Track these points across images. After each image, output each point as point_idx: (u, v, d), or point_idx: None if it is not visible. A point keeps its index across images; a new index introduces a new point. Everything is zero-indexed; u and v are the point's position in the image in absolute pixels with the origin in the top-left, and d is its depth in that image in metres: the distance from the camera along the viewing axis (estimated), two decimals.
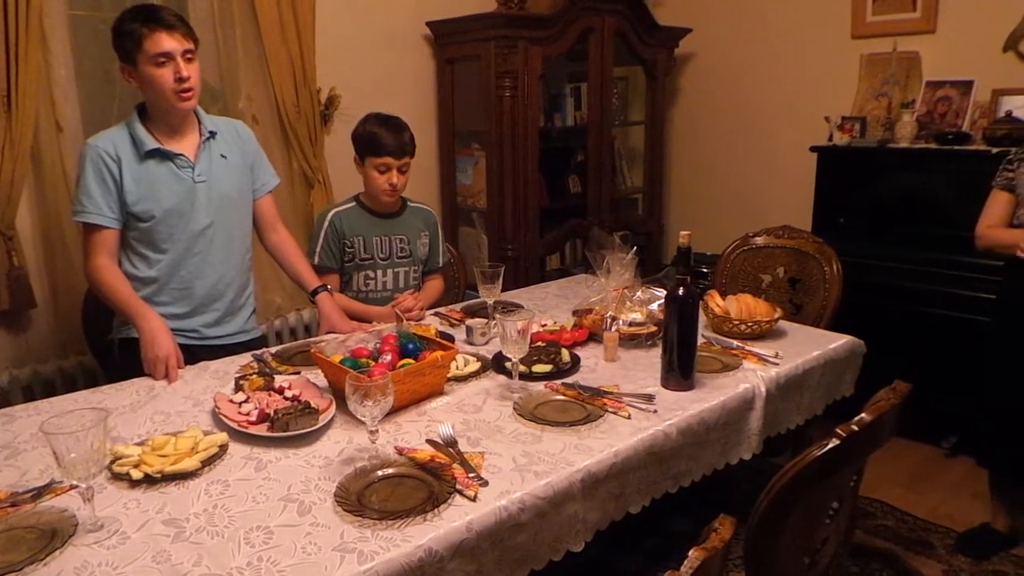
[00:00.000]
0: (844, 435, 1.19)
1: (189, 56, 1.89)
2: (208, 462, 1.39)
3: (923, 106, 3.20)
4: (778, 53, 3.74)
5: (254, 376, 1.76)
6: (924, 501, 2.73)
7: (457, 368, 1.83)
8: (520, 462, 1.40)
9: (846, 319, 2.52)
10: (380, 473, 1.35)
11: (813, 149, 3.32)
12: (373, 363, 1.67)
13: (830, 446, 1.19)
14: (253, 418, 1.53)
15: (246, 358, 1.96)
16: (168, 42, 1.84)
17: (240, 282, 2.16)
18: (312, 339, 2.15)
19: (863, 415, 1.23)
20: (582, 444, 1.46)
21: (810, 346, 1.98)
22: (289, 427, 1.49)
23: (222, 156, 2.06)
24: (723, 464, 1.69)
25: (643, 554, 2.03)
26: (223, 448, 1.44)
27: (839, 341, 2.03)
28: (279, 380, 1.72)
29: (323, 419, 1.53)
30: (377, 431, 1.41)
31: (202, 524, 1.21)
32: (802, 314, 2.68)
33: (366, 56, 3.31)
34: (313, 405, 1.56)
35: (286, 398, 1.61)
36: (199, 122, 2.03)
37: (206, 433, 1.48)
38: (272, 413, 1.52)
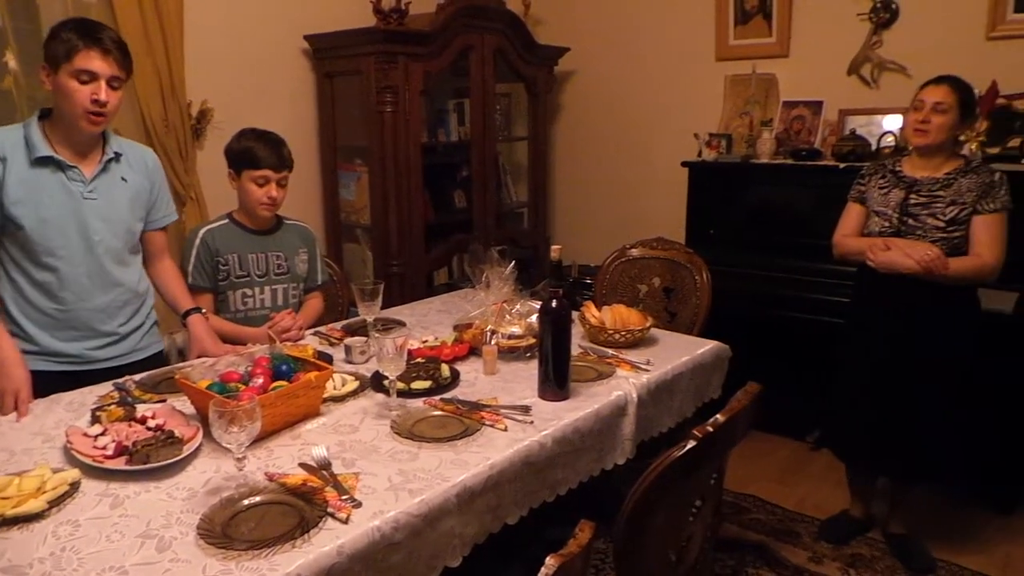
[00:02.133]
0: (701, 436, 1.26)
1: (115, 84, 1.84)
2: (56, 502, 1.30)
3: (780, 124, 3.44)
4: (651, 73, 3.93)
5: (113, 407, 1.66)
6: (792, 493, 2.92)
7: (334, 388, 1.80)
8: (395, 481, 1.39)
9: (718, 325, 2.66)
10: (247, 502, 1.30)
11: (684, 164, 3.50)
12: (243, 387, 1.62)
13: (688, 447, 1.26)
14: (110, 452, 1.44)
15: (106, 387, 1.84)
16: (99, 64, 1.79)
17: (134, 306, 2.05)
18: (180, 364, 2.06)
19: (718, 416, 1.31)
20: (458, 459, 1.47)
21: (679, 352, 2.08)
22: (150, 459, 1.41)
23: (123, 179, 1.98)
24: (599, 470, 1.74)
25: (523, 563, 2.05)
26: (74, 486, 1.35)
27: (706, 347, 2.15)
28: (141, 410, 1.63)
29: (188, 448, 1.46)
30: (245, 458, 1.36)
31: (47, 569, 1.13)
32: (676, 322, 2.81)
33: (241, 68, 3.21)
34: (177, 434, 1.48)
35: (148, 428, 1.53)
36: (104, 142, 1.95)
37: (56, 471, 1.38)
38: (131, 445, 1.44)
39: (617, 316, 2.13)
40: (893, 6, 3.14)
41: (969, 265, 2.17)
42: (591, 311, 2.16)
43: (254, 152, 2.19)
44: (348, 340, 2.11)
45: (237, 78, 3.19)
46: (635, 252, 2.92)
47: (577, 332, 2.24)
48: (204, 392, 1.54)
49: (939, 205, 2.21)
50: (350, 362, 2.04)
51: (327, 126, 3.48)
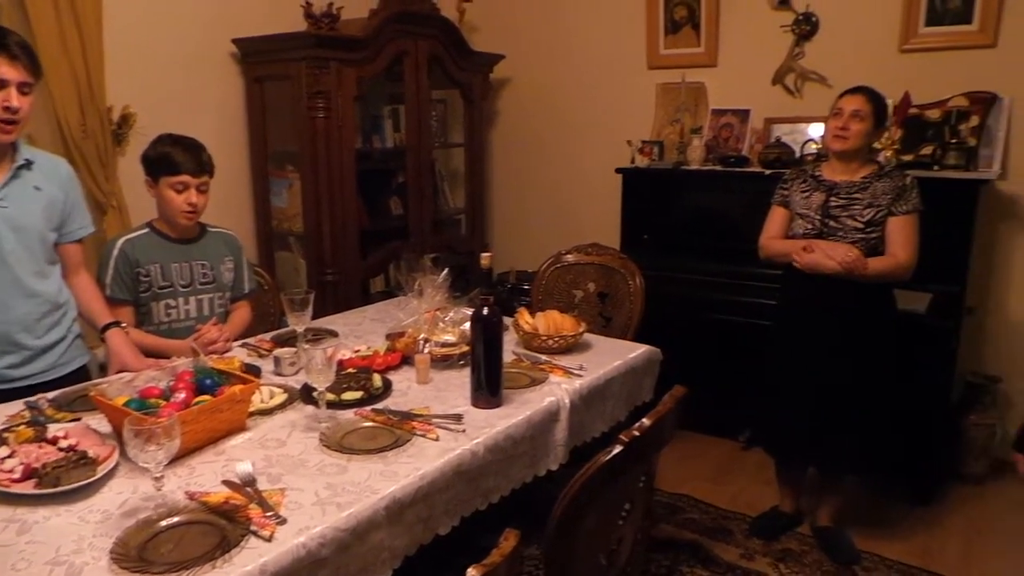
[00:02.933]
0: (627, 440, 1.28)
1: (25, 90, 1.77)
2: None
3: (710, 132, 3.53)
4: (585, 80, 3.97)
5: (22, 427, 1.58)
6: (725, 492, 2.98)
7: (261, 401, 1.76)
8: (323, 495, 1.36)
9: (652, 329, 2.71)
10: (165, 523, 1.26)
11: (618, 171, 3.55)
12: (164, 403, 1.56)
13: (615, 452, 1.27)
14: (17, 475, 1.37)
15: (16, 406, 1.75)
16: (7, 70, 1.73)
17: (54, 317, 1.96)
18: (98, 380, 1.97)
19: (644, 420, 1.32)
20: (388, 470, 1.45)
21: (612, 357, 2.11)
22: (60, 481, 1.35)
23: (36, 188, 1.89)
24: (531, 477, 1.74)
25: (455, 573, 2.04)
26: None
27: (638, 351, 2.18)
28: (53, 430, 1.55)
29: (103, 469, 1.40)
30: (163, 477, 1.31)
31: None
32: (611, 326, 2.84)
33: (165, 72, 3.10)
34: (91, 455, 1.42)
35: (60, 449, 1.46)
36: (14, 150, 1.87)
37: None
38: (40, 467, 1.37)
39: (550, 322, 2.14)
40: (814, 19, 3.26)
41: (886, 264, 2.28)
42: (524, 317, 2.17)
43: (171, 157, 2.13)
44: (277, 351, 2.06)
45: (161, 82, 3.08)
46: (570, 258, 2.95)
47: (511, 339, 2.25)
48: (120, 409, 1.48)
49: (857, 207, 2.31)
50: (279, 374, 2.00)
51: (257, 132, 3.40)
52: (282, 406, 1.76)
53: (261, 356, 2.15)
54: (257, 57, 3.30)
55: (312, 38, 3.07)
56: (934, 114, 2.97)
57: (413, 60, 3.50)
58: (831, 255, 2.26)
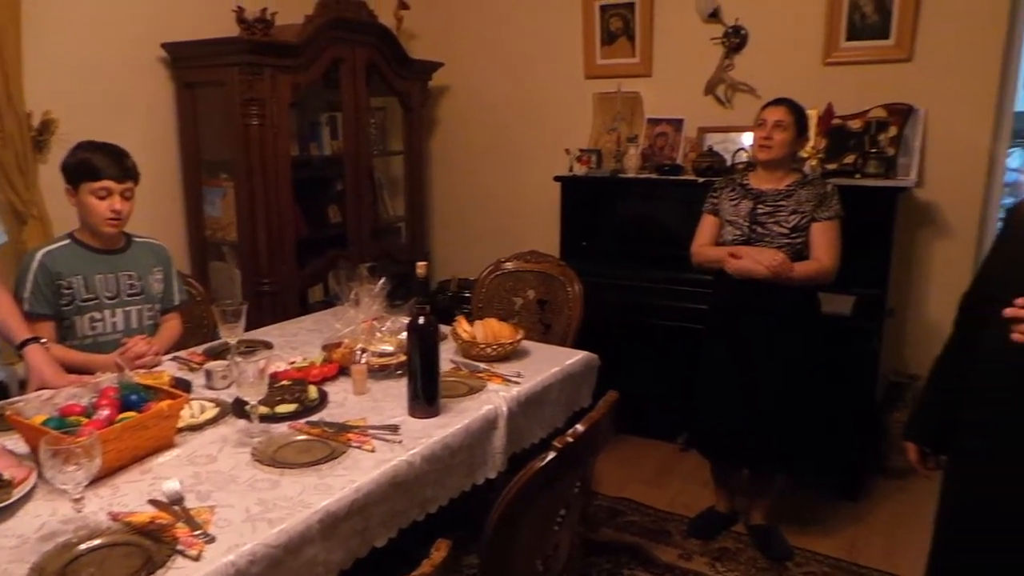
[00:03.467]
0: (561, 447, 1.29)
1: None
2: None
3: (646, 140, 3.60)
4: (523, 89, 4.01)
5: None
6: (664, 494, 3.04)
7: (191, 416, 1.71)
8: (254, 511, 1.33)
9: (592, 335, 2.74)
10: (86, 546, 1.21)
11: (557, 179, 3.59)
12: (86, 421, 1.50)
13: (549, 458, 1.28)
14: None
15: None
16: None
17: None
18: (13, 399, 1.88)
19: (578, 426, 1.34)
20: (323, 483, 1.43)
21: (550, 363, 2.13)
22: None
23: None
24: (470, 486, 1.74)
25: None
26: None
27: (576, 357, 2.21)
28: None
29: (19, 492, 1.34)
30: (83, 498, 1.27)
31: None
32: (551, 333, 2.87)
33: (90, 76, 2.99)
34: (6, 477, 1.36)
35: None
36: None
37: None
38: None
39: (489, 330, 2.15)
40: (742, 32, 3.37)
41: (812, 268, 2.37)
42: (463, 326, 2.17)
43: (92, 163, 2.05)
44: (209, 364, 2.01)
45: (85, 86, 2.97)
46: (510, 265, 2.97)
47: (450, 347, 2.25)
48: (36, 428, 1.42)
49: (782, 214, 2.40)
50: (211, 388, 1.95)
51: (189, 139, 3.31)
52: (213, 421, 1.72)
53: (192, 370, 2.09)
54: (188, 62, 3.22)
55: (245, 44, 3.01)
56: (855, 124, 3.10)
57: (350, 67, 3.47)
58: (759, 260, 2.34)
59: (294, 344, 2.33)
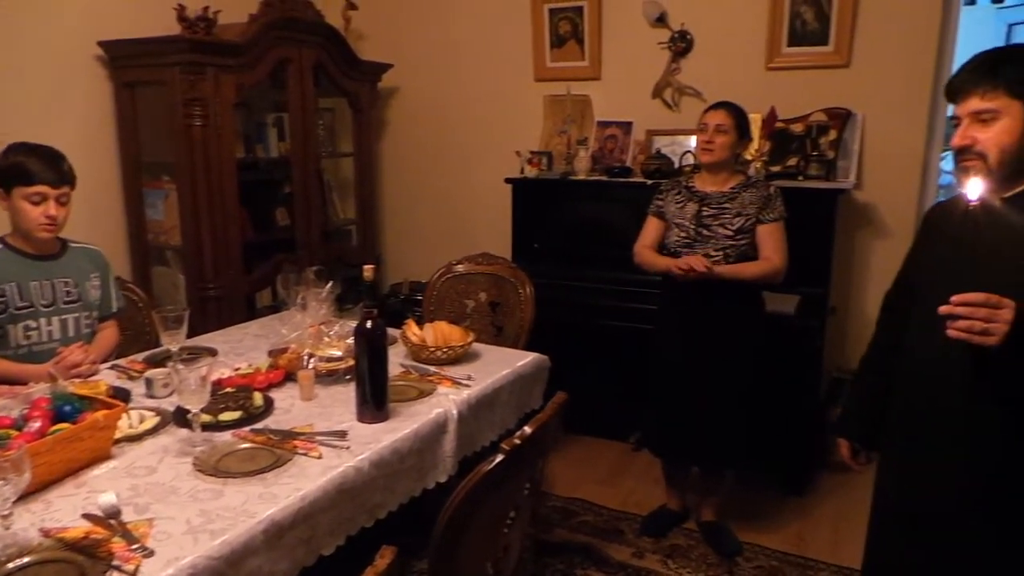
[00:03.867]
0: (508, 449, 1.29)
1: None
2: None
3: (596, 143, 3.64)
4: (474, 91, 4.00)
5: None
6: (617, 493, 3.06)
7: (130, 427, 1.66)
8: (195, 523, 1.30)
9: (544, 336, 2.75)
10: (14, 564, 1.16)
11: (508, 181, 3.60)
12: (15, 433, 1.44)
13: (497, 461, 1.28)
14: None
15: None
16: None
17: None
18: None
19: (525, 428, 1.34)
20: (267, 492, 1.40)
21: (500, 366, 2.12)
22: None
23: None
24: (420, 490, 1.73)
25: None
26: None
27: (527, 359, 2.21)
28: None
29: None
30: (11, 514, 1.21)
31: None
32: (503, 335, 2.87)
33: (22, 75, 2.87)
34: None
35: None
36: None
37: None
38: None
39: (439, 333, 2.14)
40: (688, 37, 3.43)
41: (763, 268, 2.43)
42: (412, 329, 2.15)
43: (25, 167, 1.97)
44: (149, 373, 1.95)
45: (18, 85, 2.86)
46: (461, 268, 2.96)
47: (400, 351, 2.23)
48: None
49: (727, 216, 2.44)
50: (152, 396, 1.89)
51: (128, 141, 3.21)
52: (153, 431, 1.67)
53: (132, 378, 2.03)
54: (127, 61, 3.12)
55: (186, 42, 2.93)
56: (797, 128, 3.19)
57: (297, 67, 3.42)
58: (693, 265, 2.37)
59: (240, 350, 2.28)
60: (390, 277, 4.40)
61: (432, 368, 2.07)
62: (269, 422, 1.72)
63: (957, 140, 1.36)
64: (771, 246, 2.43)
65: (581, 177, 3.50)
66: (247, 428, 1.67)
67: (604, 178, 3.44)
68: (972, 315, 1.19)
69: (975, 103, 1.33)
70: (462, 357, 2.15)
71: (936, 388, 1.43)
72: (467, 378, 1.99)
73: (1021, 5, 3.97)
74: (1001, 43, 3.85)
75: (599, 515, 2.90)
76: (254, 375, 1.95)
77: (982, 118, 1.32)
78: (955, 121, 1.39)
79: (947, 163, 5.18)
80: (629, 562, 2.59)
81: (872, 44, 3.11)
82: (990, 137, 1.32)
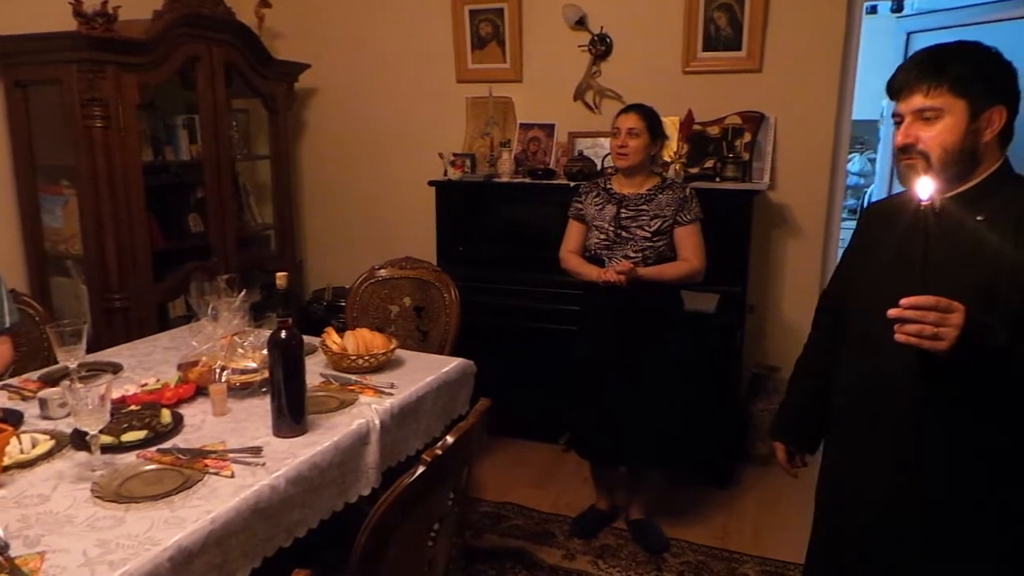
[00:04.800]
0: (430, 460, 1.25)
1: None
2: None
3: (519, 145, 3.63)
4: (395, 92, 3.93)
5: None
6: (547, 496, 3.06)
7: (21, 452, 1.53)
8: (92, 554, 1.20)
9: (470, 340, 2.72)
10: None
11: (431, 183, 3.55)
12: None
13: (418, 473, 1.24)
14: None
15: None
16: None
17: None
18: None
19: (447, 438, 1.31)
20: (174, 516, 1.32)
21: (425, 372, 2.08)
22: None
23: None
24: (342, 505, 1.67)
25: None
26: None
27: (451, 364, 2.17)
28: None
29: None
30: None
31: None
32: (428, 340, 2.82)
33: None
34: None
35: None
36: None
37: None
38: None
39: (360, 340, 2.08)
40: (608, 40, 3.46)
41: (682, 269, 2.48)
42: (332, 338, 2.08)
43: None
44: (44, 392, 1.81)
45: None
46: (383, 273, 2.89)
47: (320, 360, 2.16)
48: None
49: (644, 218, 2.48)
50: (47, 418, 1.76)
51: (21, 143, 3.00)
52: (47, 455, 1.55)
53: (25, 399, 1.89)
54: (18, 58, 2.92)
55: (84, 39, 2.76)
56: (714, 131, 3.26)
57: (207, 67, 3.27)
58: (619, 272, 2.39)
59: (147, 364, 2.16)
60: (312, 283, 4.28)
61: (353, 377, 2.00)
62: (178, 440, 1.63)
63: (900, 138, 1.33)
64: (689, 247, 2.48)
65: (505, 179, 3.49)
66: (153, 448, 1.57)
67: (528, 180, 3.44)
68: (922, 319, 1.14)
69: (919, 101, 1.30)
70: (385, 365, 2.10)
71: (878, 393, 1.38)
72: (390, 386, 1.94)
73: (919, 15, 4.18)
74: (901, 50, 4.06)
75: (530, 518, 2.89)
76: (162, 391, 1.84)
77: (925, 116, 1.29)
78: (896, 119, 1.36)
79: (855, 164, 5.44)
80: (560, 564, 2.59)
81: (782, 50, 3.22)
82: (933, 136, 1.29)
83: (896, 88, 1.34)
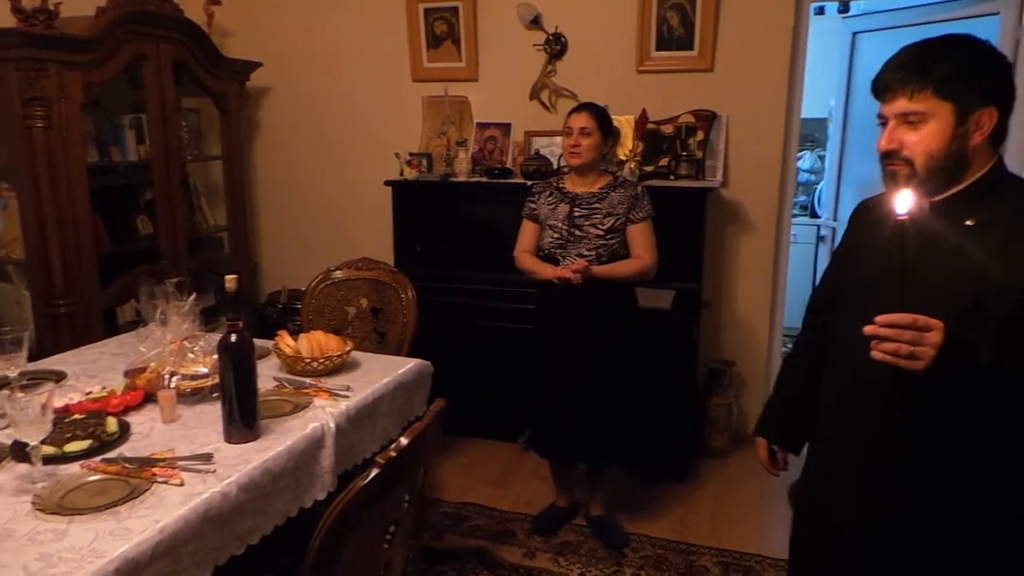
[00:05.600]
0: (384, 462, 1.24)
1: None
2: None
3: (476, 144, 3.62)
4: (350, 91, 3.89)
5: None
6: (508, 495, 3.06)
7: None
8: (33, 569, 1.17)
9: (429, 340, 2.70)
10: None
11: (387, 183, 3.52)
12: None
13: (372, 476, 1.23)
14: None
15: None
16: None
17: None
18: None
19: (401, 439, 1.30)
20: (121, 528, 1.28)
21: (381, 374, 2.06)
22: None
23: None
24: (296, 511, 1.64)
25: None
26: None
27: (408, 365, 2.16)
28: None
29: None
30: None
31: None
32: (386, 341, 2.80)
33: None
34: None
35: None
36: None
37: None
38: None
39: (314, 343, 2.05)
40: (563, 40, 3.47)
41: (635, 267, 2.50)
42: (285, 340, 2.05)
43: None
44: None
45: None
46: (339, 274, 2.86)
47: (275, 364, 2.13)
48: None
49: (597, 216, 2.50)
50: None
51: None
52: None
53: None
54: None
55: (23, 36, 2.66)
56: (668, 129, 3.30)
57: (154, 65, 3.19)
58: (573, 271, 2.40)
59: (93, 372, 2.10)
60: (268, 286, 4.21)
61: (308, 380, 1.98)
62: (124, 449, 1.58)
63: (884, 143, 1.26)
64: (642, 245, 2.51)
65: (462, 179, 3.48)
66: (98, 458, 1.52)
67: (485, 179, 3.44)
68: (898, 338, 1.09)
69: (903, 104, 1.22)
70: (340, 367, 2.08)
71: (862, 399, 1.33)
72: (345, 389, 1.92)
73: (865, 15, 4.29)
74: (847, 50, 4.16)
75: (491, 518, 2.89)
76: (108, 398, 1.79)
77: (909, 120, 1.22)
78: (881, 120, 1.28)
79: (805, 162, 5.56)
80: (521, 563, 2.59)
81: (733, 50, 3.27)
82: (917, 141, 1.22)
83: (880, 89, 1.27)
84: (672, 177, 3.21)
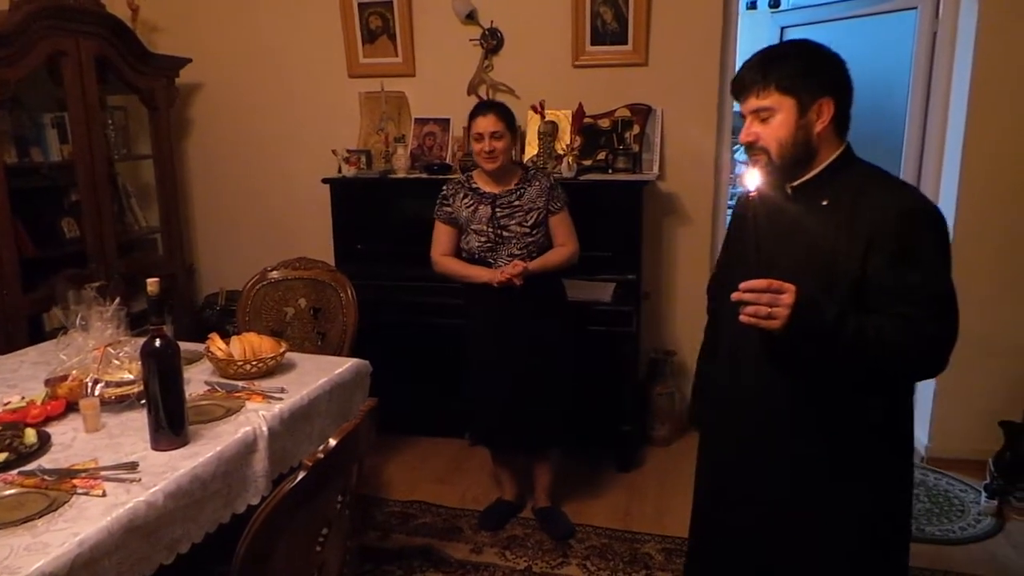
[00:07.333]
0: (311, 464, 1.22)
1: None
2: None
3: (415, 140, 3.59)
4: (285, 87, 3.81)
5: None
6: (454, 491, 3.06)
7: None
8: None
9: (373, 339, 2.68)
10: None
11: (325, 181, 3.47)
12: None
13: (300, 478, 1.21)
14: None
15: None
16: None
17: None
18: None
19: (329, 440, 1.28)
20: (37, 542, 1.24)
21: (317, 375, 2.03)
22: None
23: None
24: (228, 517, 1.61)
25: None
26: None
27: (345, 365, 2.13)
28: None
29: None
30: None
31: None
32: (327, 341, 2.76)
33: None
34: None
35: None
36: None
37: None
38: None
39: (247, 345, 2.01)
40: (499, 35, 3.47)
41: (562, 255, 2.57)
42: (216, 344, 2.00)
43: None
44: None
45: None
46: (276, 274, 2.81)
47: (207, 368, 2.08)
48: None
49: (520, 214, 2.53)
50: None
51: None
52: None
53: None
54: None
55: None
56: (604, 123, 3.33)
57: (75, 61, 3.07)
58: (512, 273, 2.44)
59: (12, 381, 2.01)
60: (206, 288, 4.11)
61: (241, 384, 1.93)
62: (44, 461, 1.53)
63: (742, 137, 1.44)
64: (564, 233, 2.57)
65: (401, 175, 3.45)
66: (14, 471, 1.47)
67: (424, 175, 3.41)
68: (757, 300, 1.25)
69: (753, 102, 1.40)
70: (275, 369, 2.04)
71: (736, 370, 1.50)
72: (280, 391, 1.88)
73: (793, 10, 4.41)
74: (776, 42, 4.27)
75: (437, 515, 2.88)
76: (27, 409, 1.72)
77: (761, 116, 1.39)
78: (743, 117, 1.46)
79: (740, 155, 5.68)
80: (468, 559, 2.59)
81: (665, 44, 3.32)
82: (768, 132, 1.39)
83: (735, 91, 1.45)
84: (610, 171, 3.24)
